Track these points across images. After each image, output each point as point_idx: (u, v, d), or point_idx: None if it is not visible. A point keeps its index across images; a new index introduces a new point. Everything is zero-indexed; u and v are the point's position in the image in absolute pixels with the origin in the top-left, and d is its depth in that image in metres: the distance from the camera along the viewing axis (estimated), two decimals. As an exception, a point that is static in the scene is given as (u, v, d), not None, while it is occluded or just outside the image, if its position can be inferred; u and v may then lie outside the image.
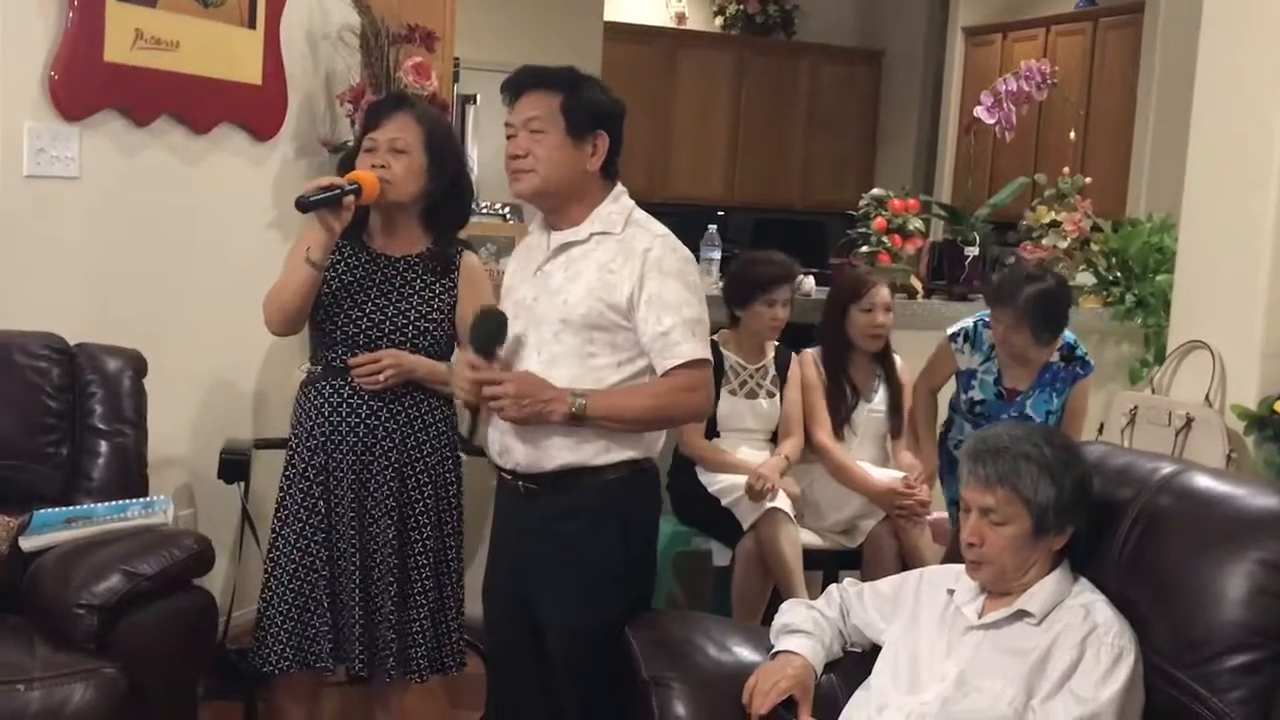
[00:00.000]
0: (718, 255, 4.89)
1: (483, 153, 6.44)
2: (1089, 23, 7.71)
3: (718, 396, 3.74)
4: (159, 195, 3.69)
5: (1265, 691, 2.06)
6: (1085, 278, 5.24)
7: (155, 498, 3.04)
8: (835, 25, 9.78)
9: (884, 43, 9.73)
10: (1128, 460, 2.46)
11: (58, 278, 3.43)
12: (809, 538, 3.89)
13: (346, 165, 3.10)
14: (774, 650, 2.43)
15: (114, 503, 2.98)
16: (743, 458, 3.87)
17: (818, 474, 4.00)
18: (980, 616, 2.26)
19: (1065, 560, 2.26)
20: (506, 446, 2.61)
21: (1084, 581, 2.25)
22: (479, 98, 6.37)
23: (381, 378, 2.91)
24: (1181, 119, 3.56)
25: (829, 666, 2.43)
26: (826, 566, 3.93)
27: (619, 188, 2.67)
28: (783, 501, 3.74)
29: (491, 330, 2.56)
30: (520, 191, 2.61)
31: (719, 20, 9.63)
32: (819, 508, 3.97)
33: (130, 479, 3.14)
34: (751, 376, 3.93)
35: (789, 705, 2.31)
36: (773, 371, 3.97)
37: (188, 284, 3.79)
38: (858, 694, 2.34)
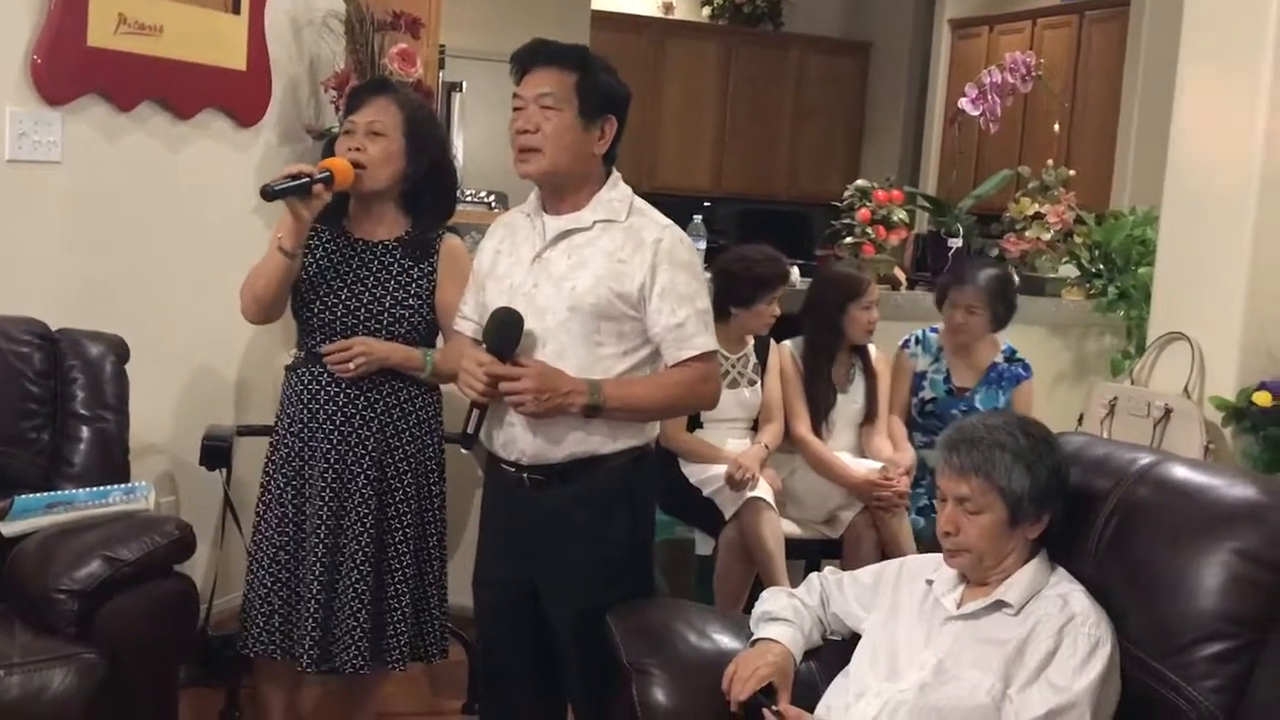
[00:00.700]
0: (703, 245, 4.88)
1: (468, 140, 6.44)
2: (1075, 15, 7.73)
3: None
4: (142, 181, 3.68)
5: (1239, 680, 2.08)
6: (1068, 270, 5.26)
7: (137, 483, 3.03)
8: (822, 16, 9.78)
9: (871, 34, 9.73)
10: (1106, 451, 2.48)
11: (40, 263, 3.42)
12: (790, 527, 3.91)
13: (330, 150, 3.09)
14: (754, 638, 2.44)
15: (95, 488, 2.97)
16: (724, 448, 3.88)
17: (798, 464, 4.01)
18: (959, 606, 2.27)
19: (1043, 550, 2.28)
20: (512, 438, 2.58)
21: (1062, 571, 2.27)
22: (465, 85, 6.37)
23: (352, 365, 2.89)
24: (1165, 112, 3.58)
25: (808, 654, 2.44)
26: (808, 555, 3.95)
27: (616, 174, 2.65)
28: (764, 490, 3.75)
29: (509, 333, 2.50)
30: (527, 173, 2.56)
31: (706, 10, 9.62)
32: (800, 497, 3.98)
33: (112, 465, 3.13)
34: (734, 366, 3.94)
35: (768, 692, 2.31)
36: (754, 360, 3.99)
37: (170, 270, 3.78)
38: (836, 681, 2.35)
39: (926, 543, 3.68)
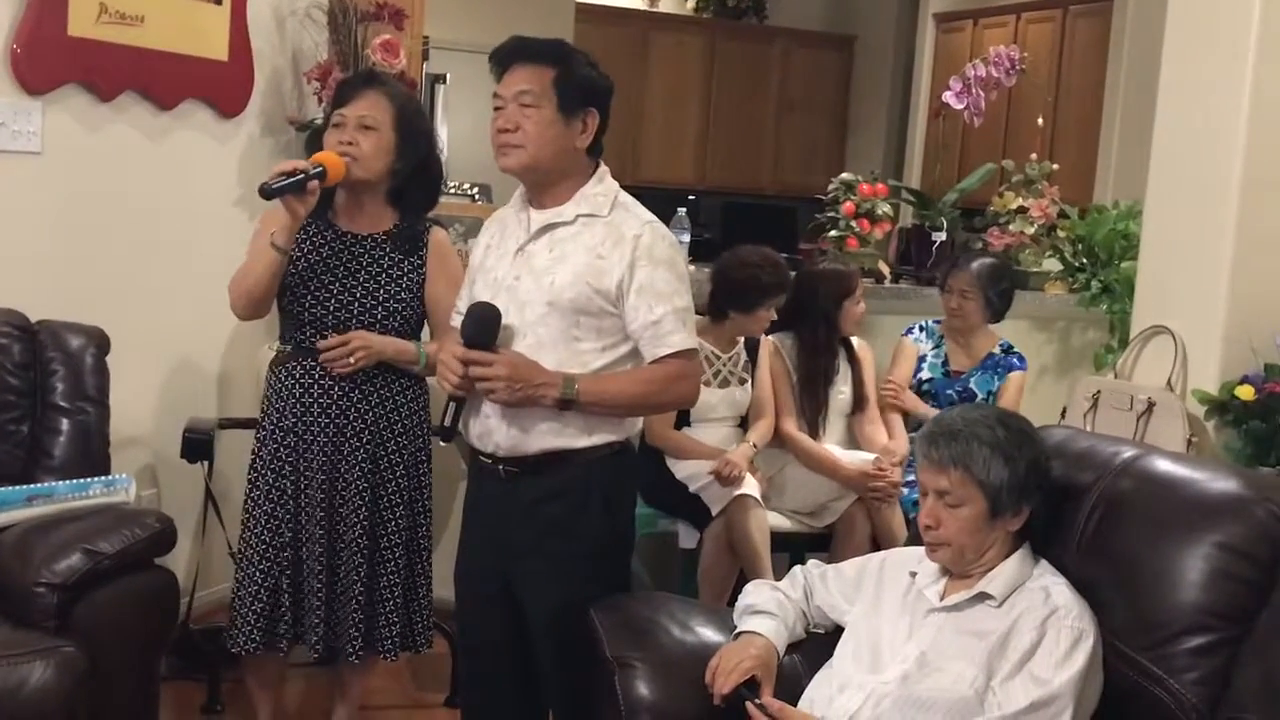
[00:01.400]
0: (687, 238, 4.89)
1: (452, 132, 6.42)
2: (1059, 10, 7.74)
3: None
4: (123, 171, 3.66)
5: (1220, 672, 2.08)
6: (1051, 264, 5.27)
7: (117, 476, 3.02)
8: (807, 10, 9.79)
9: (855, 28, 9.74)
10: (1089, 444, 2.48)
11: (19, 254, 3.40)
12: (777, 520, 3.91)
13: (314, 142, 3.08)
14: (737, 631, 2.43)
15: (75, 481, 2.95)
16: (711, 444, 3.88)
17: (788, 458, 4.02)
18: (942, 599, 2.27)
19: (1026, 543, 2.28)
20: (488, 430, 2.58)
21: (1044, 564, 2.27)
22: (448, 77, 6.34)
23: (352, 360, 2.89)
24: (1149, 107, 3.58)
25: (792, 647, 2.43)
26: (794, 549, 3.95)
27: (603, 168, 2.64)
28: (750, 487, 3.75)
29: (486, 327, 2.50)
30: (507, 166, 2.56)
31: (691, 3, 9.62)
32: (790, 491, 3.99)
33: (92, 457, 3.11)
34: (725, 365, 3.94)
35: (751, 685, 2.31)
36: (744, 358, 3.99)
37: (151, 261, 3.77)
38: (820, 674, 2.35)
39: (912, 531, 3.70)
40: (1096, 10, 7.35)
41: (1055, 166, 5.44)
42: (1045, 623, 2.14)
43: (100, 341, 3.19)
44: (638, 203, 2.64)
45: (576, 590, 2.58)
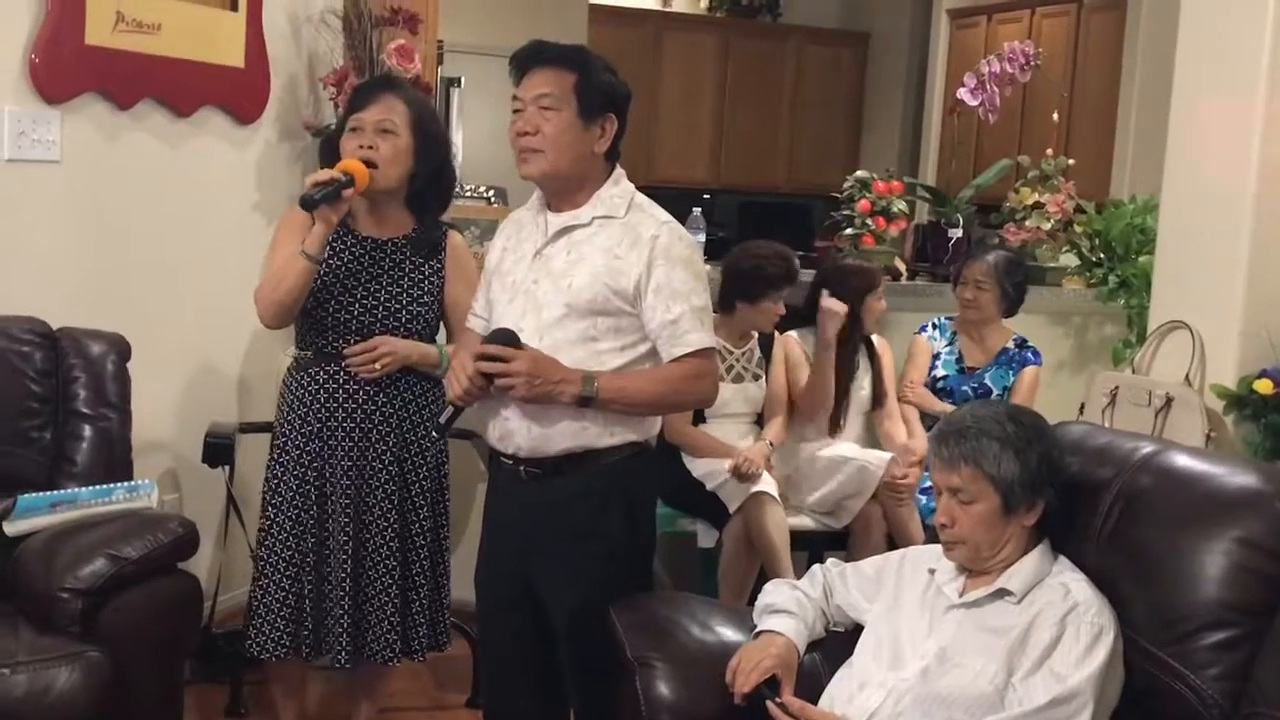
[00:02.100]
0: (702, 238, 4.90)
1: (467, 136, 6.44)
2: (1073, 5, 7.71)
3: None
4: (141, 179, 3.68)
5: (1241, 668, 2.08)
6: (1068, 259, 5.26)
7: (139, 481, 3.04)
8: (820, 8, 9.78)
9: (869, 25, 9.72)
10: (1108, 440, 2.47)
11: (40, 262, 3.42)
12: (795, 519, 3.92)
13: (328, 147, 3.08)
14: (757, 630, 2.44)
15: (98, 487, 2.97)
16: (728, 442, 3.89)
17: (804, 454, 4.02)
18: (961, 595, 2.27)
19: (1045, 539, 2.28)
20: (508, 431, 2.59)
21: (1064, 560, 2.27)
22: (463, 80, 6.37)
23: (378, 366, 2.90)
24: (1164, 101, 3.57)
25: (812, 646, 2.44)
26: (812, 547, 3.95)
27: (619, 170, 2.65)
28: (768, 484, 3.76)
29: (508, 339, 2.51)
30: (528, 174, 2.57)
31: (704, 3, 9.62)
32: (805, 487, 3.99)
33: (114, 463, 3.13)
34: (739, 360, 3.95)
35: (772, 684, 2.32)
36: (758, 354, 4.00)
37: (171, 267, 3.79)
38: (840, 672, 2.35)
39: (931, 529, 3.71)
40: (1111, 4, 7.31)
41: (1071, 162, 5.42)
42: (1065, 619, 2.14)
43: (121, 348, 3.20)
44: (654, 203, 2.65)
45: (598, 591, 2.58)
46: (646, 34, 9.18)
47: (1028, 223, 5.21)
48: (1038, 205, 5.21)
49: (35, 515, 2.85)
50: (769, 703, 2.27)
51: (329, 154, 3.01)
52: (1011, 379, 4.31)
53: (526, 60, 2.58)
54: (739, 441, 3.90)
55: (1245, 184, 3.24)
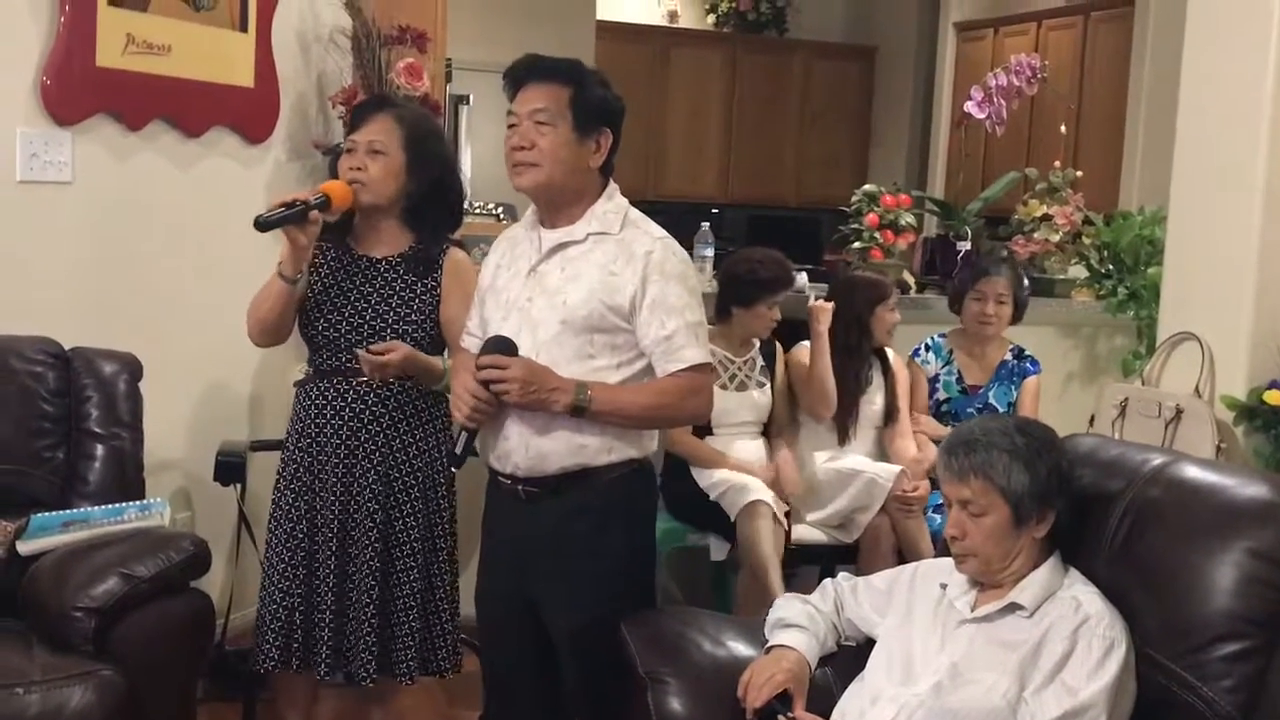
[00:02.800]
0: (711, 253, 4.90)
1: (476, 153, 6.47)
2: (1080, 16, 7.72)
3: None
4: (152, 199, 3.70)
5: (1254, 679, 2.08)
6: (1077, 271, 5.26)
7: (152, 500, 3.05)
8: (827, 22, 9.79)
9: (876, 39, 9.74)
10: (1118, 452, 2.47)
11: (52, 282, 3.44)
12: (807, 532, 3.91)
13: (335, 167, 3.11)
14: (768, 644, 2.44)
15: (111, 506, 2.99)
16: (736, 453, 3.89)
17: (813, 467, 4.02)
18: (973, 610, 2.27)
19: (1056, 552, 2.28)
20: (507, 451, 2.59)
21: (1075, 573, 2.27)
22: (472, 98, 6.39)
23: (389, 364, 2.87)
24: (1172, 111, 3.57)
25: (823, 660, 2.44)
26: (823, 561, 3.95)
27: (613, 186, 2.65)
28: (761, 492, 3.74)
29: (503, 347, 2.53)
30: (522, 185, 2.58)
31: (711, 18, 9.64)
32: (814, 501, 3.98)
33: (127, 482, 3.14)
34: (740, 369, 3.95)
35: (784, 699, 2.32)
36: (760, 362, 4.01)
37: (182, 287, 3.80)
38: (852, 687, 2.35)
39: (942, 544, 3.69)
40: (1118, 16, 7.32)
41: (1079, 173, 5.43)
42: (1077, 632, 2.14)
43: (133, 367, 3.22)
44: (648, 219, 2.66)
45: (601, 609, 2.59)
46: (654, 50, 9.20)
47: (1036, 235, 5.22)
48: (1046, 217, 5.21)
49: (48, 534, 2.86)
50: (780, 718, 2.27)
51: (335, 173, 3.03)
52: (1014, 393, 4.28)
53: (521, 74, 2.59)
54: (747, 451, 3.90)
55: (1253, 195, 3.24)
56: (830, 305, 3.98)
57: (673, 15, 9.50)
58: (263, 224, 2.77)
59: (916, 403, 4.30)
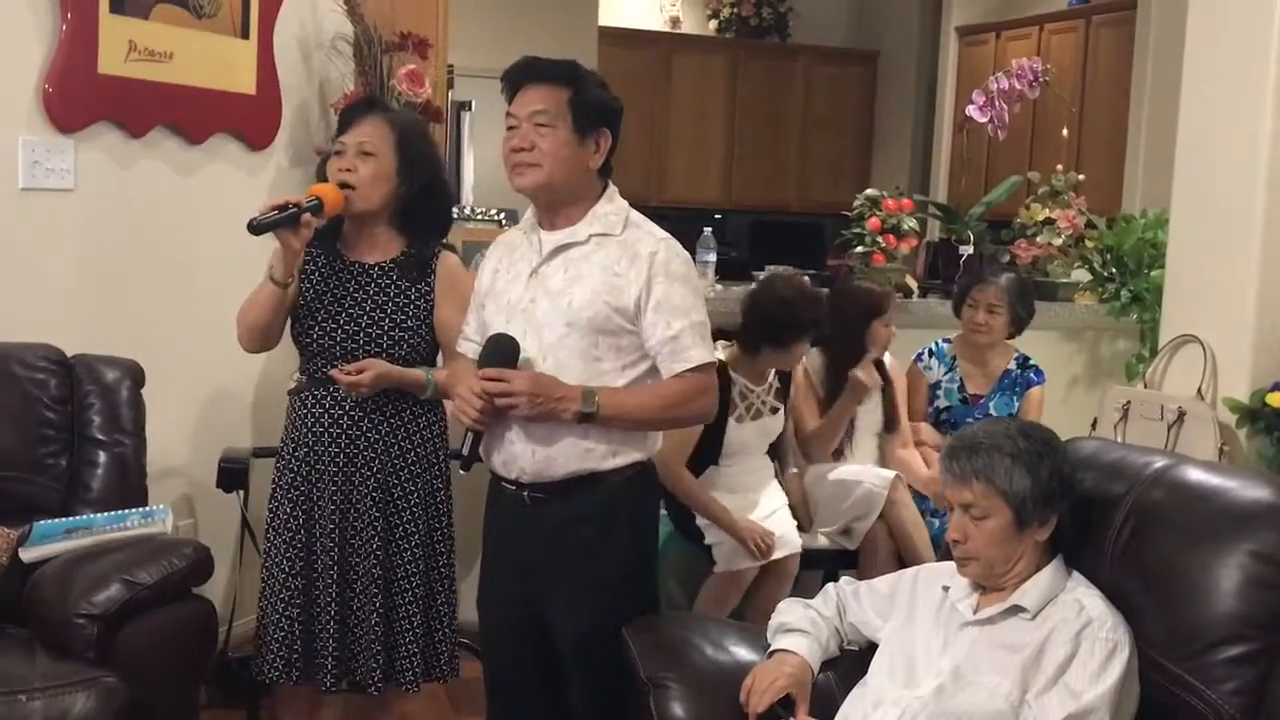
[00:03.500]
0: (713, 258, 4.91)
1: (478, 159, 6.47)
2: (1081, 20, 7.73)
3: (723, 422, 3.63)
4: (154, 206, 3.70)
5: (1257, 683, 2.08)
6: (1080, 274, 5.25)
7: (154, 507, 3.05)
8: (829, 27, 9.80)
9: (878, 43, 9.75)
10: (1120, 454, 2.47)
11: (55, 289, 3.45)
12: (808, 539, 3.91)
13: (322, 172, 3.10)
14: (771, 649, 2.44)
15: (113, 513, 2.99)
16: (741, 476, 3.82)
17: (812, 477, 4.01)
18: (975, 612, 2.27)
19: (1059, 555, 2.28)
20: (512, 456, 2.59)
21: (1077, 576, 2.26)
22: (474, 104, 6.40)
23: (364, 383, 2.86)
24: (1174, 114, 3.58)
25: (826, 664, 2.44)
26: (826, 566, 3.94)
27: (613, 188, 2.65)
28: (747, 562, 3.69)
29: (505, 353, 2.53)
30: (522, 186, 2.57)
31: (713, 24, 9.65)
32: (817, 509, 3.98)
33: (129, 489, 3.15)
34: (758, 398, 3.81)
35: (786, 704, 2.32)
36: (776, 385, 3.92)
37: (185, 293, 3.80)
38: (854, 691, 2.35)
39: (944, 548, 3.68)
40: (1119, 19, 7.33)
41: (1081, 177, 5.43)
42: (1079, 635, 2.14)
43: (135, 374, 3.22)
44: (648, 220, 2.66)
45: (606, 613, 2.59)
46: (656, 56, 9.22)
47: (1039, 239, 5.22)
48: (1048, 221, 5.21)
49: (51, 541, 2.86)
50: (783, 722, 2.27)
51: (324, 177, 3.02)
52: (1016, 404, 4.23)
53: (519, 77, 2.59)
54: (753, 475, 3.86)
55: (1255, 197, 3.25)
56: (875, 384, 3.94)
57: (675, 21, 9.51)
58: (256, 227, 2.76)
59: (915, 410, 4.27)
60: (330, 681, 2.94)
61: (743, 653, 2.50)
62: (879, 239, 4.95)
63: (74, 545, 2.86)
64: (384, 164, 2.91)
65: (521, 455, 2.57)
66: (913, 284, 5.16)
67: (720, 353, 3.59)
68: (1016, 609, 2.22)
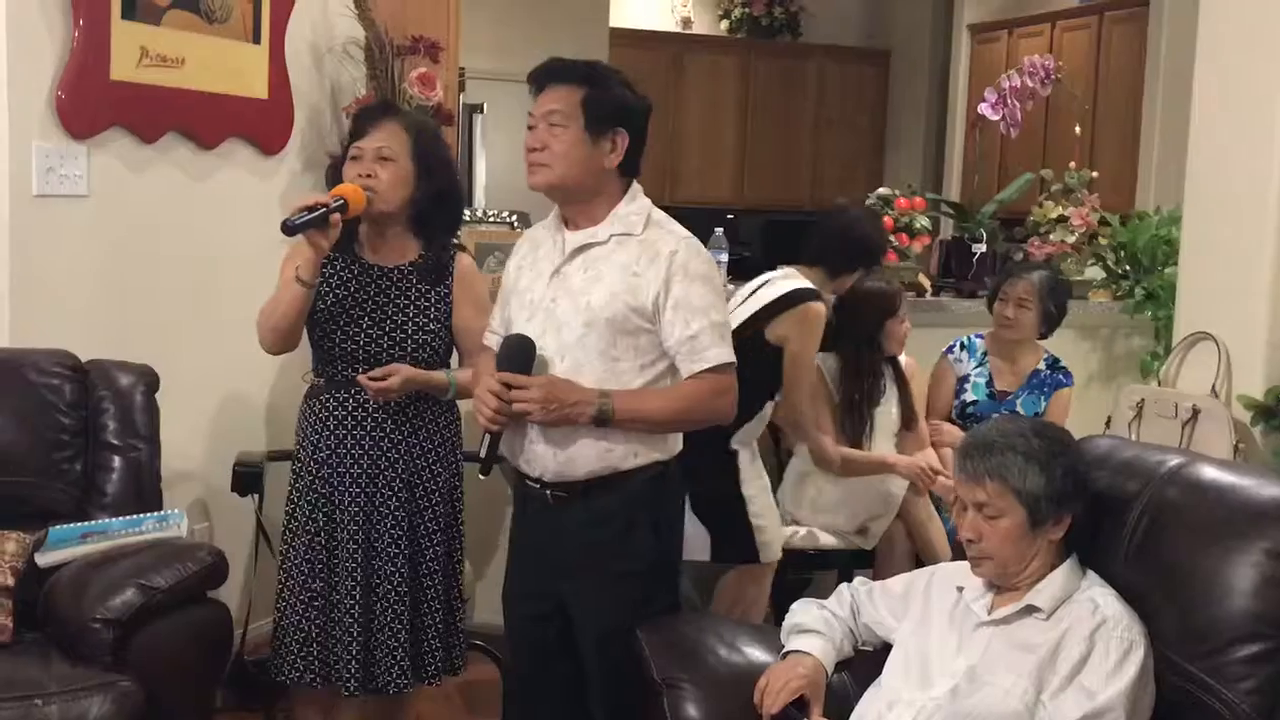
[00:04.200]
0: (725, 257, 4.90)
1: (490, 161, 6.48)
2: (1094, 17, 7.71)
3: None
4: (167, 211, 3.71)
5: (1274, 681, 2.07)
6: (1094, 272, 5.24)
7: (169, 511, 3.06)
8: (841, 26, 9.79)
9: (890, 42, 9.73)
10: (1134, 453, 2.46)
11: (69, 295, 3.46)
12: (824, 537, 3.90)
13: (334, 174, 3.10)
14: (785, 650, 2.44)
15: (128, 517, 2.99)
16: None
17: (828, 476, 3.99)
18: (990, 613, 2.27)
19: (1073, 554, 2.27)
20: (534, 456, 2.60)
21: (1092, 575, 2.26)
22: (486, 106, 6.41)
23: (393, 388, 2.89)
24: (1187, 111, 3.57)
25: (840, 665, 2.44)
26: (840, 566, 3.94)
27: (635, 186, 2.66)
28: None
29: (522, 356, 2.53)
30: (535, 185, 2.60)
31: (725, 24, 9.64)
32: (832, 510, 3.97)
33: (144, 493, 3.15)
34: None
35: (800, 705, 2.32)
36: None
37: (198, 298, 3.82)
38: (869, 692, 2.35)
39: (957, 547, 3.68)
40: (1132, 16, 7.30)
41: (1095, 174, 5.42)
42: (1094, 634, 2.14)
43: (149, 379, 3.23)
44: (671, 219, 2.66)
45: (627, 612, 2.59)
46: (668, 56, 9.22)
47: (1052, 236, 5.20)
48: (1062, 219, 5.20)
49: (66, 546, 2.87)
50: (797, 723, 2.27)
51: (334, 181, 3.02)
52: (1043, 404, 4.19)
53: (541, 77, 2.62)
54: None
55: (1268, 194, 3.24)
56: (942, 482, 3.93)
57: (686, 21, 9.51)
58: (291, 227, 2.77)
59: (940, 404, 4.27)
60: (354, 685, 2.96)
61: (756, 653, 2.49)
62: (891, 238, 4.94)
63: (89, 550, 2.86)
64: (402, 168, 2.93)
65: (543, 455, 2.58)
66: (926, 282, 5.15)
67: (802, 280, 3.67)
68: (1031, 609, 2.21)
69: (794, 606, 2.56)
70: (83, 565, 2.80)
